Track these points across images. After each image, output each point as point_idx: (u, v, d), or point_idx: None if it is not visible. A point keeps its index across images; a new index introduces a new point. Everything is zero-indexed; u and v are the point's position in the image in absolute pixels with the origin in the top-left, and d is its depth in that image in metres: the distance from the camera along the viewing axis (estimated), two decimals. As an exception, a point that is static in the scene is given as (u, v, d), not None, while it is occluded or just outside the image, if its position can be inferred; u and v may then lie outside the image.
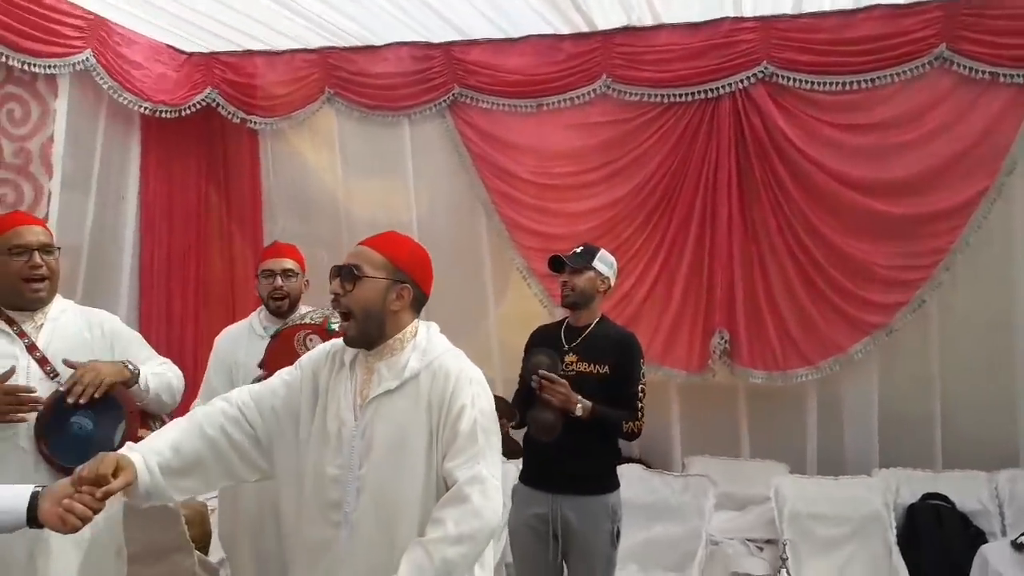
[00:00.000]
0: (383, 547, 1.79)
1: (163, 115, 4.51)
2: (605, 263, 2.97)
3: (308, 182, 4.84)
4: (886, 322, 3.98)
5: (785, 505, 3.73)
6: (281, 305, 2.94)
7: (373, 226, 4.57)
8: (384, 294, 1.87)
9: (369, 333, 1.89)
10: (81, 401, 2.19)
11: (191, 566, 3.26)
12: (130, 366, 2.35)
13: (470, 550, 1.75)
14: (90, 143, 4.28)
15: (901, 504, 3.79)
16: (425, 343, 1.90)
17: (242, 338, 2.83)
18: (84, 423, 2.22)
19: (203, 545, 3.60)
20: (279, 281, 2.93)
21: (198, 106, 4.68)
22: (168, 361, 2.60)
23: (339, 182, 4.77)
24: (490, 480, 1.78)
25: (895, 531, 3.64)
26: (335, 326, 2.54)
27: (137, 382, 2.34)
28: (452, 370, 1.86)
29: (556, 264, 2.95)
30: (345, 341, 1.91)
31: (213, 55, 4.73)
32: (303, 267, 3.11)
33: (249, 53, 4.72)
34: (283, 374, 2.01)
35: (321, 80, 4.66)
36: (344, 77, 4.63)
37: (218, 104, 4.73)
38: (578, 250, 2.96)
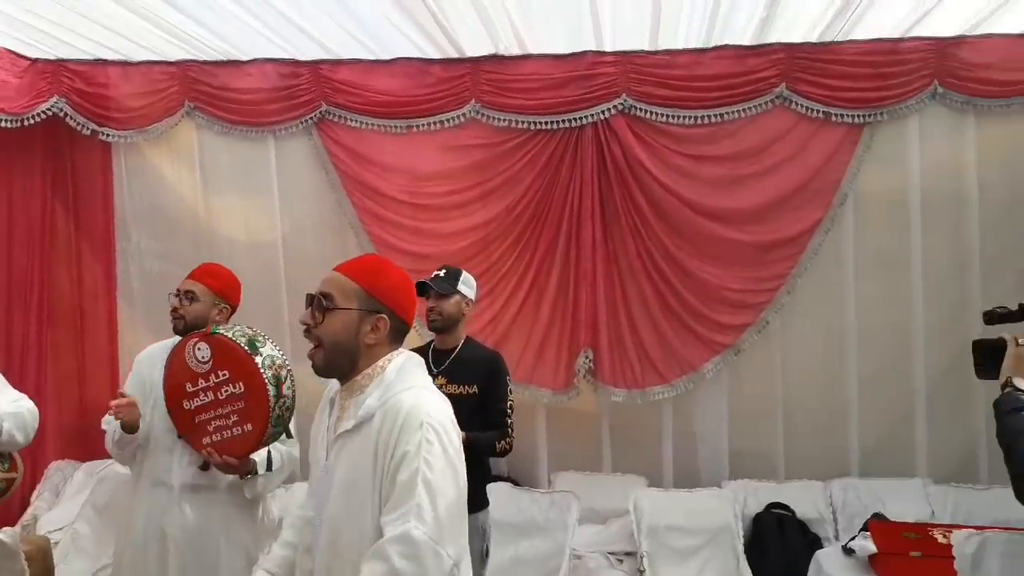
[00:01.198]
0: None
1: (2, 124, 4.21)
2: (468, 285, 3.03)
3: (166, 198, 4.63)
4: (734, 342, 4.25)
5: (643, 518, 3.89)
6: (176, 325, 2.80)
7: (235, 244, 4.51)
8: (357, 326, 1.74)
9: (339, 365, 1.76)
10: None
11: (32, 608, 3.06)
12: None
13: None
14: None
15: (748, 514, 4.03)
16: (392, 378, 1.74)
17: (160, 357, 2.71)
18: None
19: (46, 584, 3.39)
20: (176, 302, 2.80)
21: (43, 116, 4.39)
22: (23, 396, 2.55)
23: (199, 198, 4.60)
24: (422, 543, 1.54)
25: (743, 540, 3.87)
26: (220, 330, 2.52)
27: None
28: (403, 410, 1.66)
29: (421, 289, 2.98)
30: (314, 369, 1.78)
31: (61, 63, 4.46)
32: (226, 295, 2.89)
33: (102, 62, 4.48)
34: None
35: (180, 93, 4.49)
36: (205, 91, 4.48)
37: (66, 114, 4.46)
38: (441, 273, 3.00)
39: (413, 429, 1.63)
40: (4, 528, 3.12)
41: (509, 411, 2.93)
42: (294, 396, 2.52)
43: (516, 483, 4.26)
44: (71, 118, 4.48)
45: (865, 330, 4.27)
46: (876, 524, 3.50)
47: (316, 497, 1.80)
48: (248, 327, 2.60)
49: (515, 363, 4.30)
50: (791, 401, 4.31)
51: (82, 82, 4.48)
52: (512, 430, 2.92)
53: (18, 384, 4.23)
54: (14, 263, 4.43)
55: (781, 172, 4.25)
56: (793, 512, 4.00)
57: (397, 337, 1.81)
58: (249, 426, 2.46)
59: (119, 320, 4.64)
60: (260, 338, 2.53)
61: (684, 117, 4.27)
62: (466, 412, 2.78)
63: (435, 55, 4.33)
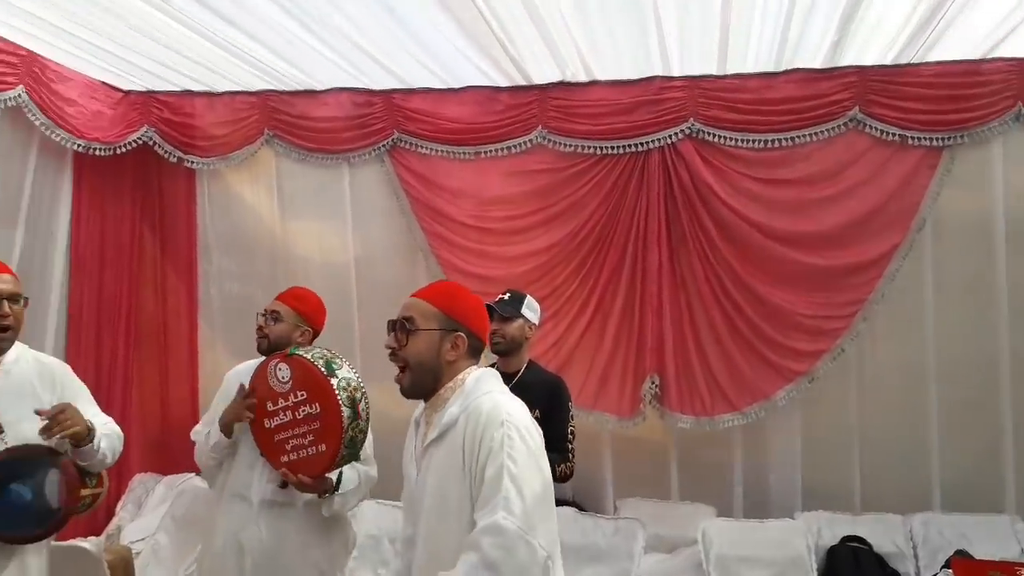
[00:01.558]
0: None
1: (97, 153, 4.45)
2: (531, 309, 3.05)
3: (245, 222, 4.83)
4: (808, 369, 4.15)
5: (712, 548, 3.80)
6: (260, 344, 2.91)
7: (310, 266, 4.65)
8: (438, 345, 1.87)
9: (424, 384, 1.89)
10: (57, 437, 2.26)
11: (113, 614, 3.19)
12: (90, 423, 2.39)
13: None
14: (19, 178, 4.19)
15: (822, 546, 3.88)
16: (471, 387, 1.86)
17: (246, 375, 2.82)
18: (23, 492, 2.25)
19: (126, 592, 3.52)
20: (261, 321, 2.92)
21: (133, 144, 4.64)
22: (111, 420, 2.65)
23: (276, 222, 4.77)
24: (511, 532, 1.59)
25: (816, 573, 3.74)
26: (299, 351, 2.61)
27: (92, 441, 2.38)
28: (484, 410, 1.77)
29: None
30: (401, 392, 1.93)
31: (151, 94, 4.71)
32: (309, 319, 2.99)
33: (188, 93, 4.72)
34: None
35: (261, 122, 4.68)
36: (284, 120, 4.66)
37: (155, 143, 4.71)
38: (505, 297, 3.03)
39: (495, 427, 1.72)
40: (89, 538, 3.28)
41: (570, 436, 2.93)
42: (368, 418, 2.57)
43: (581, 508, 4.23)
44: (159, 146, 4.72)
45: (947, 359, 4.11)
46: (959, 561, 3.35)
47: (411, 513, 1.89)
48: (327, 349, 2.67)
49: (579, 388, 4.29)
50: (868, 431, 4.17)
51: (170, 112, 4.72)
52: (573, 455, 2.92)
53: (107, 400, 4.51)
54: (104, 285, 4.65)
55: (856, 195, 4.15)
56: (870, 546, 3.85)
57: (474, 354, 1.94)
58: (323, 446, 2.51)
59: (199, 340, 4.83)
60: (337, 360, 2.59)
61: (754, 141, 4.23)
62: None
63: (503, 83, 4.41)
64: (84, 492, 2.44)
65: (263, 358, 2.83)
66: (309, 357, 2.56)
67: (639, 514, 4.05)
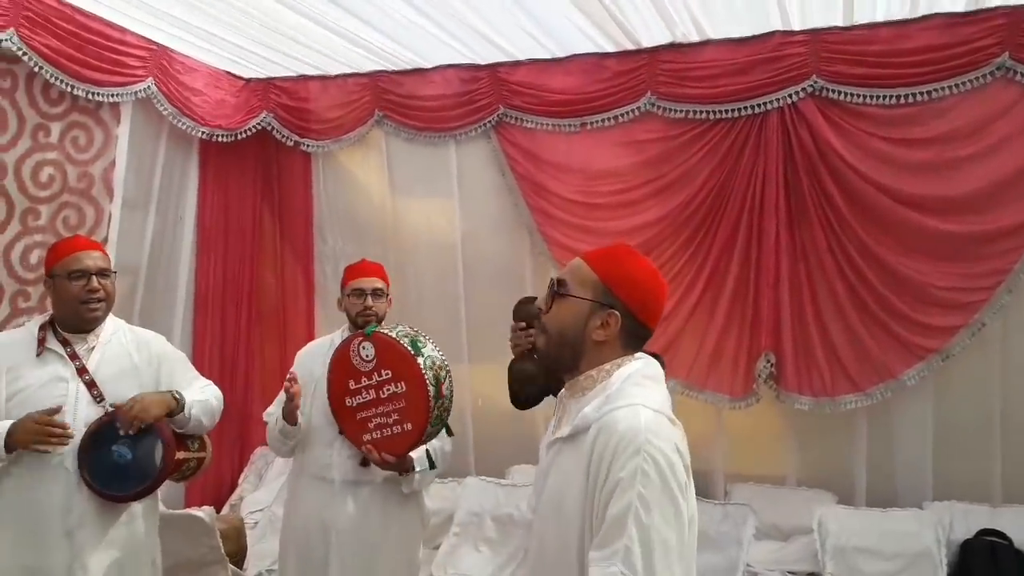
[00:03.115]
0: None
1: (220, 139, 4.68)
2: None
3: (358, 202, 4.95)
4: (942, 346, 3.77)
5: (828, 537, 3.57)
6: (369, 321, 2.85)
7: (419, 244, 4.71)
8: (585, 318, 1.57)
9: (561, 358, 1.62)
10: (126, 433, 2.36)
11: (225, 579, 3.36)
12: (176, 396, 2.51)
13: None
14: (150, 166, 4.47)
15: (955, 540, 3.58)
16: (617, 386, 1.53)
17: (321, 353, 2.87)
18: (123, 452, 2.38)
19: (238, 559, 3.72)
20: (369, 300, 2.88)
21: (253, 130, 4.85)
22: (210, 383, 2.76)
23: (387, 202, 4.86)
24: None
25: (946, 568, 3.43)
26: (375, 328, 2.62)
27: (182, 411, 2.50)
28: (620, 429, 1.45)
29: None
30: (535, 354, 1.70)
31: (270, 80, 4.89)
32: (388, 286, 3.03)
33: (303, 78, 4.86)
34: None
35: (371, 103, 4.76)
36: (393, 100, 4.72)
37: (273, 128, 4.89)
38: None
39: (630, 455, 1.41)
40: (203, 507, 3.47)
41: None
42: (452, 396, 2.56)
43: (690, 492, 4.07)
44: (277, 131, 4.90)
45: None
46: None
47: (535, 494, 1.69)
48: (409, 327, 2.65)
49: (688, 367, 4.14)
50: (1012, 415, 3.75)
51: (287, 97, 4.89)
52: None
53: (231, 376, 4.76)
54: (228, 266, 4.91)
55: (1001, 154, 3.71)
56: (1011, 540, 3.49)
57: (632, 342, 1.60)
58: (409, 425, 2.51)
59: (316, 318, 5.00)
60: (421, 339, 2.57)
61: (884, 97, 3.86)
62: None
63: (610, 48, 4.25)
64: (185, 455, 2.56)
65: (327, 336, 2.88)
66: (394, 335, 2.55)
67: (751, 500, 3.86)
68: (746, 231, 4.08)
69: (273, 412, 2.87)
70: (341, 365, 2.66)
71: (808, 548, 3.68)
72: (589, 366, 1.58)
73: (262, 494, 4.48)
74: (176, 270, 4.66)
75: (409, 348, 2.50)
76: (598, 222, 4.39)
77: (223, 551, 3.32)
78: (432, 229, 4.73)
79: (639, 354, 1.62)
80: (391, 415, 2.55)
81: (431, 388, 2.46)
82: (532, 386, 2.69)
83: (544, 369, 2.63)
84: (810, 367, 3.97)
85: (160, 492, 2.65)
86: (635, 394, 1.50)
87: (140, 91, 4.19)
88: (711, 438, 4.22)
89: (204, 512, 3.28)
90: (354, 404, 2.62)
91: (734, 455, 4.22)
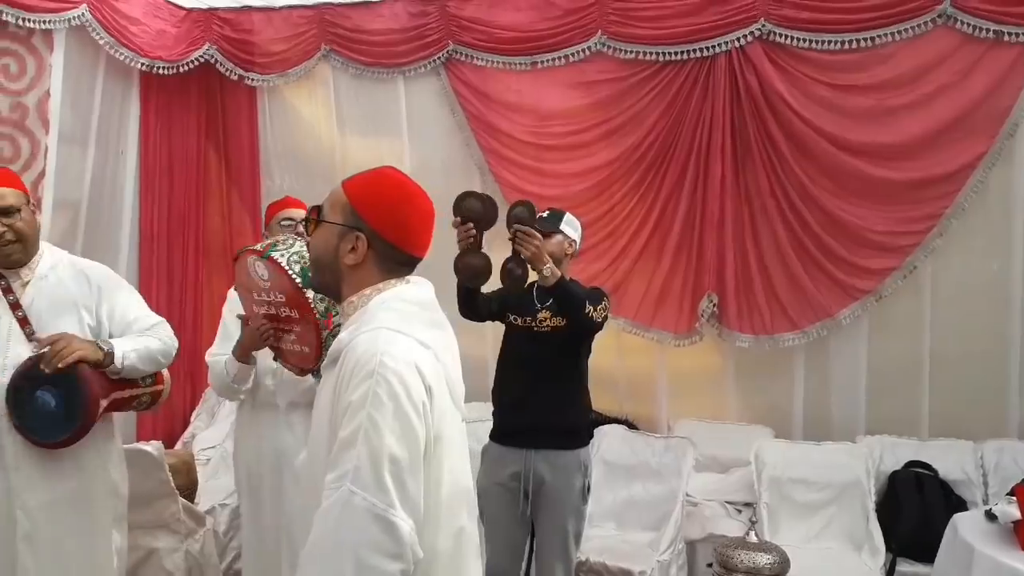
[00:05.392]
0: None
1: (160, 71, 4.54)
2: (571, 226, 2.96)
3: (305, 139, 4.85)
4: (876, 287, 3.92)
5: (764, 469, 3.72)
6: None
7: (368, 184, 4.65)
8: (336, 243, 1.54)
9: (325, 284, 1.61)
10: (49, 372, 2.22)
11: (175, 512, 3.37)
12: (104, 347, 2.35)
13: None
14: (88, 98, 4.32)
15: (884, 471, 3.75)
16: (372, 310, 1.50)
17: None
18: (47, 399, 2.27)
19: (189, 493, 3.73)
20: (300, 229, 2.83)
21: (196, 62, 4.70)
22: (161, 322, 2.58)
23: (335, 139, 4.78)
24: (359, 509, 1.33)
25: (874, 497, 3.62)
26: (273, 253, 2.41)
27: (112, 363, 2.35)
28: (358, 353, 1.43)
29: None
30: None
31: (212, 11, 4.73)
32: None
33: (247, 9, 4.71)
34: None
35: (318, 36, 4.64)
36: (340, 33, 4.61)
37: (216, 60, 4.75)
38: (544, 214, 2.95)
39: (362, 378, 1.39)
40: (152, 441, 3.45)
41: (603, 305, 2.81)
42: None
43: (633, 427, 4.20)
44: (220, 64, 4.77)
45: (1036, 277, 3.81)
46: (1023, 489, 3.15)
47: None
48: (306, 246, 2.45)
49: (636, 307, 4.24)
50: (941, 354, 3.92)
51: (230, 29, 4.74)
52: (605, 314, 2.81)
53: (179, 312, 4.70)
54: (173, 201, 4.80)
55: (940, 101, 3.81)
56: (936, 472, 3.69)
57: (391, 266, 1.56)
58: (307, 348, 2.46)
59: (264, 255, 4.93)
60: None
61: (830, 42, 3.92)
62: (564, 342, 2.85)
63: (561, -14, 4.22)
64: (132, 392, 2.47)
65: None
66: (285, 263, 2.37)
67: (693, 434, 3.98)
68: (693, 175, 4.13)
69: (218, 353, 2.79)
70: (242, 279, 2.55)
71: (745, 479, 3.83)
72: (350, 292, 1.56)
73: (214, 432, 4.48)
74: (119, 206, 4.54)
75: (299, 279, 2.35)
76: (549, 163, 4.40)
77: (173, 484, 3.32)
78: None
79: (413, 278, 1.59)
80: (291, 334, 2.50)
81: (321, 319, 2.37)
82: (479, 279, 2.73)
83: (505, 281, 2.70)
84: (751, 306, 4.09)
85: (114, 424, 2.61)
86: (382, 318, 1.48)
87: (74, 18, 4.04)
88: (655, 376, 4.33)
89: (152, 446, 3.26)
90: (260, 312, 2.53)
91: (677, 392, 4.34)
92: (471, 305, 2.91)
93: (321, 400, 1.54)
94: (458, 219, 2.66)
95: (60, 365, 2.22)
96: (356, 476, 1.34)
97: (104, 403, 2.34)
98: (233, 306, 2.85)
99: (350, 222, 1.53)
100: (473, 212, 2.67)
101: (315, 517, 1.38)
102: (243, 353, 2.67)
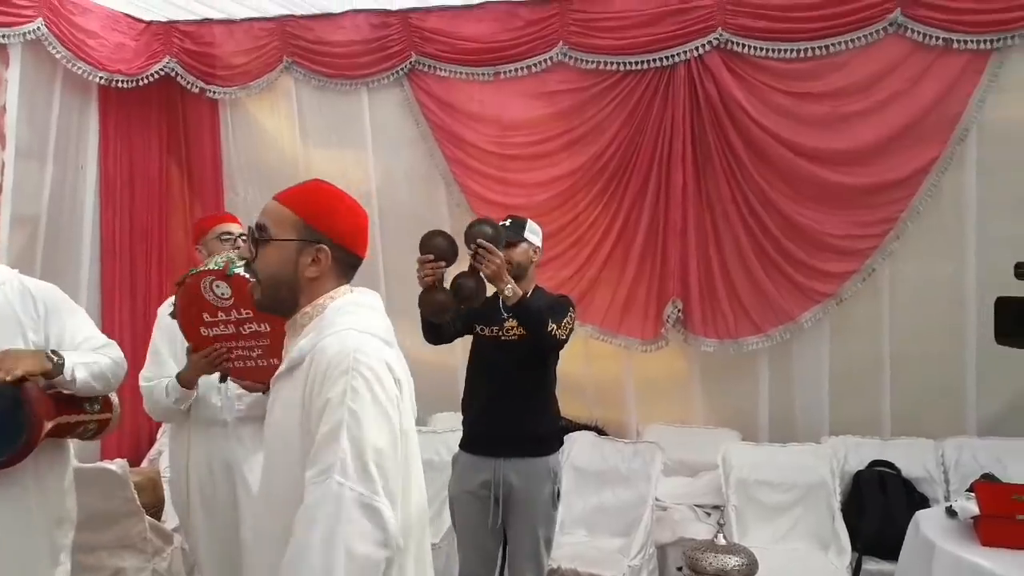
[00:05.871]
0: (272, 545, 1.49)
1: (120, 85, 4.49)
2: (534, 232, 2.99)
3: (268, 151, 4.83)
4: (836, 290, 4.01)
5: (732, 472, 3.77)
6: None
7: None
8: (296, 258, 1.57)
9: (280, 301, 1.62)
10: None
11: (142, 531, 3.32)
12: (53, 358, 2.29)
13: None
14: (45, 113, 4.26)
15: (848, 471, 3.82)
16: (330, 317, 1.56)
17: None
18: None
19: (156, 511, 3.68)
20: (240, 242, 2.84)
21: (156, 75, 4.66)
22: (111, 343, 2.53)
23: (299, 151, 4.76)
24: (347, 500, 1.37)
25: (839, 497, 3.68)
26: (237, 270, 2.39)
27: (61, 373, 2.29)
28: (329, 354, 1.47)
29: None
30: (256, 306, 1.67)
31: (172, 23, 4.70)
32: None
33: (207, 22, 4.69)
34: None
35: (279, 49, 4.63)
36: (302, 45, 4.60)
37: (177, 73, 4.72)
38: (507, 223, 2.97)
39: (338, 375, 1.45)
40: (116, 460, 3.40)
41: (568, 319, 2.83)
42: None
43: (603, 433, 4.23)
44: (181, 77, 4.74)
45: (990, 279, 3.86)
46: (982, 485, 3.21)
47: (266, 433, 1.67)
48: None
49: (602, 314, 4.28)
50: (900, 355, 4.01)
51: (191, 42, 4.71)
52: (568, 332, 2.83)
53: (141, 325, 4.63)
54: (135, 215, 4.74)
55: (892, 108, 3.91)
56: (899, 470, 3.76)
57: (345, 271, 1.64)
58: (275, 360, 2.33)
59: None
60: None
61: (785, 51, 4.00)
62: (530, 352, 2.85)
63: (523, -3, 4.26)
64: (79, 417, 2.40)
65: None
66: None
67: (662, 439, 4.03)
68: (655, 183, 4.19)
69: (151, 377, 2.76)
70: (190, 301, 2.50)
71: (714, 483, 3.88)
72: (306, 302, 1.60)
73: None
74: (80, 221, 4.48)
75: None
76: (513, 173, 4.44)
77: (138, 503, 3.27)
78: (346, 180, 4.62)
79: (356, 287, 1.66)
80: (254, 350, 2.48)
81: None
82: (444, 314, 2.75)
83: (455, 294, 2.72)
84: (715, 311, 4.15)
85: (72, 447, 2.56)
86: (344, 322, 1.54)
87: (29, 32, 4.00)
88: (623, 382, 4.38)
89: (116, 465, 3.21)
90: (210, 335, 2.51)
91: (645, 397, 4.39)
92: (436, 332, 2.91)
93: (278, 408, 1.57)
94: (428, 256, 2.67)
95: (7, 379, 2.15)
96: (343, 468, 1.39)
97: (48, 425, 2.26)
98: (164, 327, 2.80)
99: (307, 236, 1.58)
100: (442, 250, 2.70)
101: (298, 515, 1.41)
102: (191, 382, 2.67)
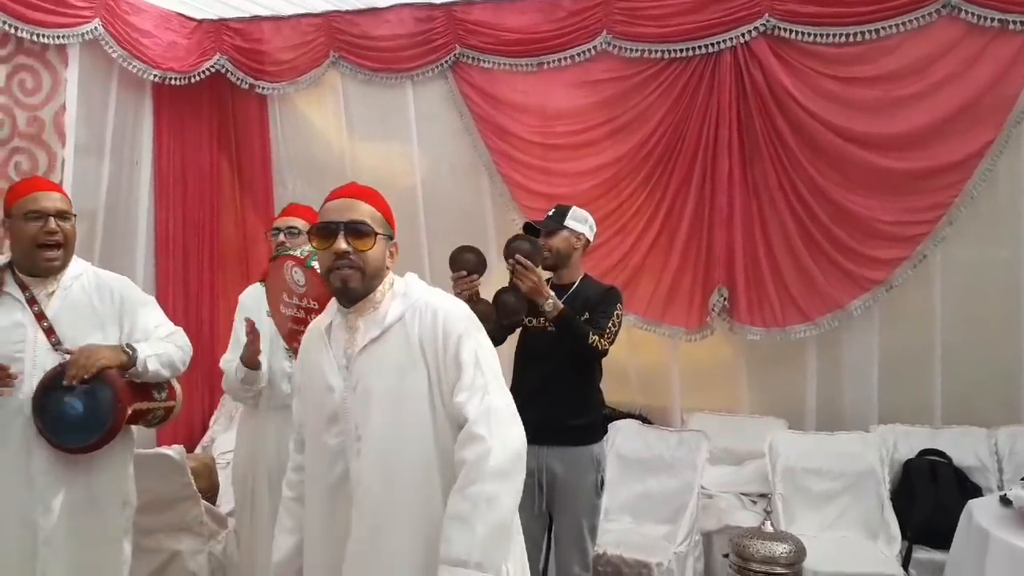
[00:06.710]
0: (385, 501, 1.75)
1: (173, 82, 4.61)
2: (578, 220, 2.99)
3: (315, 145, 4.92)
4: (886, 278, 3.94)
5: (778, 460, 3.74)
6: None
7: (378, 187, 4.66)
8: (384, 251, 1.84)
9: (373, 287, 1.83)
10: (72, 384, 2.26)
11: (198, 515, 3.42)
12: (128, 350, 2.40)
13: (506, 483, 1.66)
14: (102, 110, 4.40)
15: (898, 460, 3.76)
16: (410, 287, 1.85)
17: (263, 295, 2.89)
18: (75, 404, 2.29)
19: (210, 495, 3.78)
20: (282, 237, 3.00)
21: (208, 72, 4.77)
22: (178, 330, 2.63)
23: (345, 145, 4.84)
24: (503, 409, 1.71)
25: (888, 486, 3.63)
26: (313, 263, 2.46)
27: (135, 365, 2.40)
28: (439, 306, 1.79)
29: (530, 229, 2.98)
30: (346, 293, 1.81)
31: (222, 21, 4.81)
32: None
33: (256, 19, 4.79)
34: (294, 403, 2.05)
35: (326, 44, 4.71)
36: (348, 40, 4.67)
37: (227, 70, 4.83)
38: (550, 213, 2.99)
39: (457, 316, 1.79)
40: (173, 446, 3.50)
41: (615, 319, 2.86)
42: None
43: (647, 421, 4.23)
44: (231, 74, 4.84)
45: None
46: (1039, 475, 3.17)
47: (342, 421, 1.82)
48: None
49: (646, 303, 4.27)
50: (952, 342, 3.93)
51: (240, 39, 4.81)
52: (612, 338, 2.85)
53: (195, 320, 4.77)
54: (188, 209, 4.88)
55: (946, 91, 3.83)
56: (950, 459, 3.70)
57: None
58: None
59: (277, 262, 4.99)
60: None
61: (834, 35, 3.94)
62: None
63: (565, -13, 4.26)
64: (150, 404, 2.51)
65: None
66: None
67: (707, 427, 4.01)
68: (701, 171, 4.16)
69: (230, 359, 2.89)
70: (277, 277, 2.62)
71: (760, 471, 3.85)
72: (378, 285, 1.85)
73: (232, 436, 4.50)
74: (135, 215, 4.62)
75: None
76: (557, 163, 4.44)
77: (195, 487, 3.37)
78: (391, 172, 4.73)
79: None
80: None
81: None
82: (486, 324, 2.79)
83: (497, 309, 2.77)
84: (761, 299, 4.11)
85: (134, 433, 2.66)
86: (423, 287, 1.88)
87: (87, 32, 4.12)
88: (668, 370, 4.36)
89: (174, 450, 3.31)
90: (287, 314, 2.61)
91: (690, 386, 4.37)
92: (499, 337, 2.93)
93: (390, 363, 1.80)
94: (461, 272, 2.75)
95: (84, 376, 2.27)
96: (486, 390, 1.72)
97: (129, 410, 2.39)
98: (245, 312, 2.93)
99: (389, 232, 1.88)
100: (472, 265, 2.77)
101: (465, 430, 1.69)
102: (251, 361, 2.77)
